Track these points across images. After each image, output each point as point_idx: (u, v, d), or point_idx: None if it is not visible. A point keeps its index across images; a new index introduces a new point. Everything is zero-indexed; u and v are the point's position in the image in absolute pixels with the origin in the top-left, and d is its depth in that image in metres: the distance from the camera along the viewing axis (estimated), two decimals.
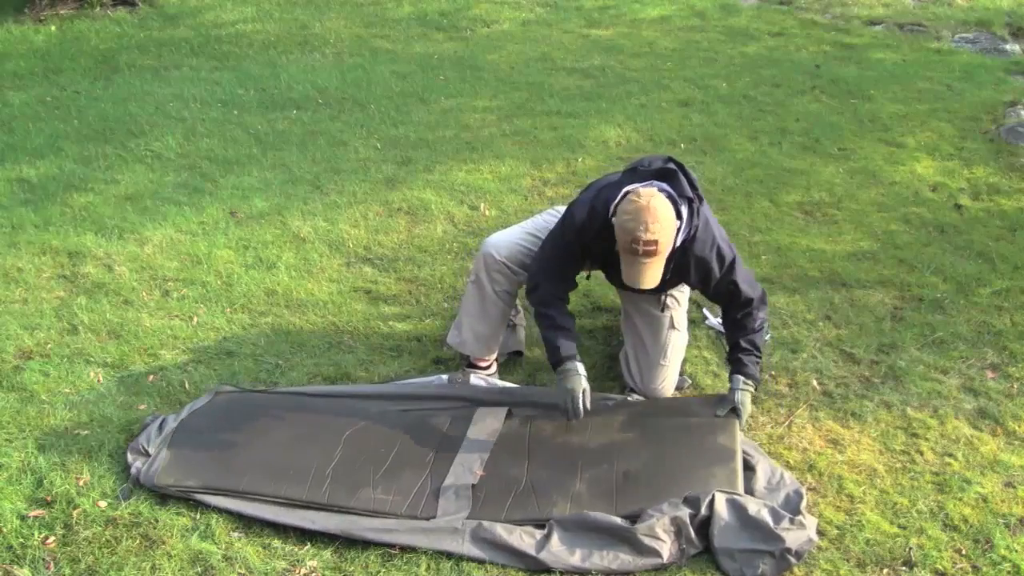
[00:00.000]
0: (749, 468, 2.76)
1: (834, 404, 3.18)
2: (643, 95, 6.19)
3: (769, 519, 2.52)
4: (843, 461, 2.89)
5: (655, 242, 2.57)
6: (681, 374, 3.23)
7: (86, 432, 2.96)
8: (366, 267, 4.05)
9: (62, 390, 3.18)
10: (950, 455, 2.93)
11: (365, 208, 4.56)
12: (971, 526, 2.63)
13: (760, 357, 2.95)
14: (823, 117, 5.82)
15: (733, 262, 2.85)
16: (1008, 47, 7.38)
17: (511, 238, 3.15)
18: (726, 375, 3.30)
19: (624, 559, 2.47)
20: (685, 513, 2.53)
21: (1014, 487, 2.78)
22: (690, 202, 2.71)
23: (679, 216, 2.67)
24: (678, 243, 2.71)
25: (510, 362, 3.39)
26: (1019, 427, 3.06)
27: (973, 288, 3.89)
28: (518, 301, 3.56)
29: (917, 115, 5.85)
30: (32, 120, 5.75)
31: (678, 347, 3.16)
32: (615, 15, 8.20)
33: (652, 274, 2.64)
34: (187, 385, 3.22)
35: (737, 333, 2.94)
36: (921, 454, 2.93)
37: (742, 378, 2.92)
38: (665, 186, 2.71)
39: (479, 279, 3.14)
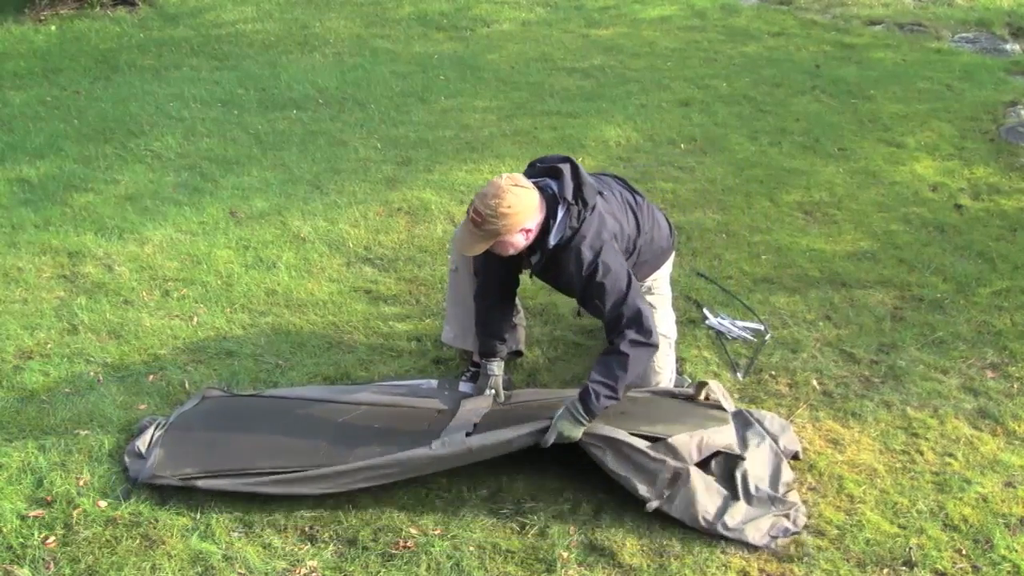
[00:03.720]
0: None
1: (834, 404, 3.18)
2: (643, 95, 6.19)
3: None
4: (843, 461, 2.89)
5: (481, 216, 2.62)
6: (680, 373, 3.22)
7: (86, 432, 2.96)
8: (366, 267, 4.04)
9: (62, 390, 3.18)
10: (950, 455, 2.93)
11: (365, 208, 4.56)
12: (971, 526, 2.63)
13: (611, 390, 2.67)
14: (823, 117, 5.82)
15: (605, 281, 2.71)
16: (1008, 47, 7.39)
17: None
18: (726, 375, 3.30)
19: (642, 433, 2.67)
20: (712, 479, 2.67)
21: (1014, 487, 2.78)
22: (570, 206, 2.70)
23: (553, 216, 2.69)
24: (550, 244, 2.71)
25: (510, 362, 3.39)
26: (1019, 427, 3.06)
27: (973, 288, 3.89)
28: (518, 300, 3.56)
29: (917, 115, 5.85)
30: (32, 120, 5.75)
31: (662, 353, 3.02)
32: (615, 15, 8.20)
33: (469, 241, 2.70)
34: (187, 385, 3.22)
35: (602, 358, 2.75)
36: (921, 454, 2.93)
37: (578, 402, 2.67)
38: (552, 185, 2.74)
39: (458, 268, 3.17)
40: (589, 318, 3.63)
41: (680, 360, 3.34)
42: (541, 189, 2.73)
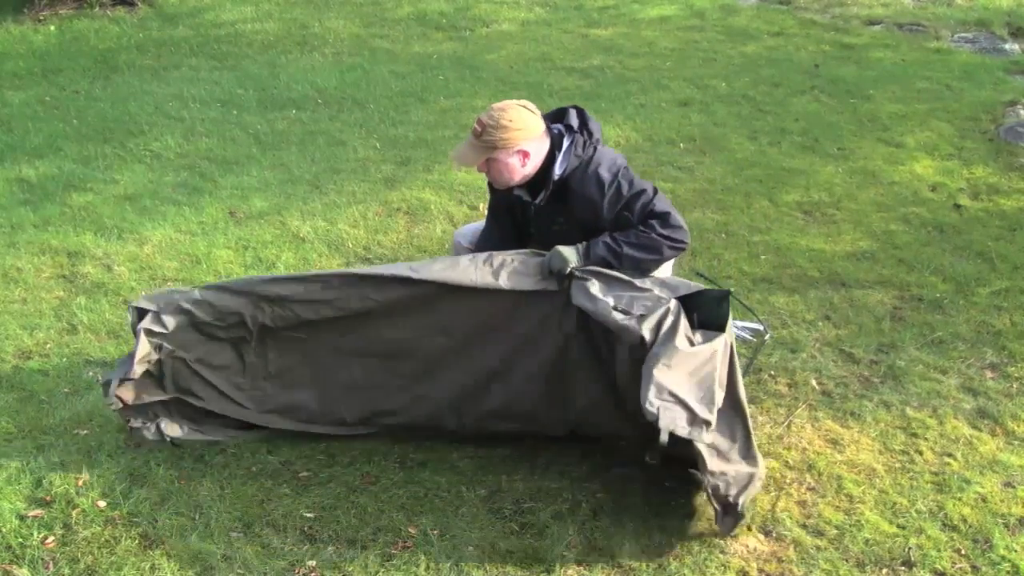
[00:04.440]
0: None
1: (833, 404, 3.17)
2: (642, 95, 6.19)
3: (715, 388, 2.49)
4: (842, 461, 2.89)
5: (482, 126, 2.69)
6: None
7: (85, 432, 2.96)
8: (365, 267, 4.04)
9: (62, 390, 3.18)
10: (949, 455, 2.93)
11: (364, 208, 4.56)
12: (970, 526, 2.63)
13: (619, 253, 2.70)
14: (822, 117, 5.82)
15: (631, 192, 2.72)
16: (1007, 47, 7.39)
17: (478, 225, 3.18)
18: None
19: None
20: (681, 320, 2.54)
21: (1013, 487, 2.78)
22: (575, 135, 2.77)
23: (559, 148, 2.75)
24: (556, 174, 2.75)
25: None
26: (1018, 427, 3.06)
27: (972, 288, 3.89)
28: None
29: (916, 115, 5.85)
30: (31, 120, 5.75)
31: None
32: (615, 15, 8.20)
33: (466, 151, 2.75)
34: None
35: (624, 230, 2.75)
36: (920, 454, 2.93)
37: (581, 243, 2.73)
38: (559, 125, 2.80)
39: None
40: None
41: None
42: (548, 129, 2.79)
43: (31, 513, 2.62)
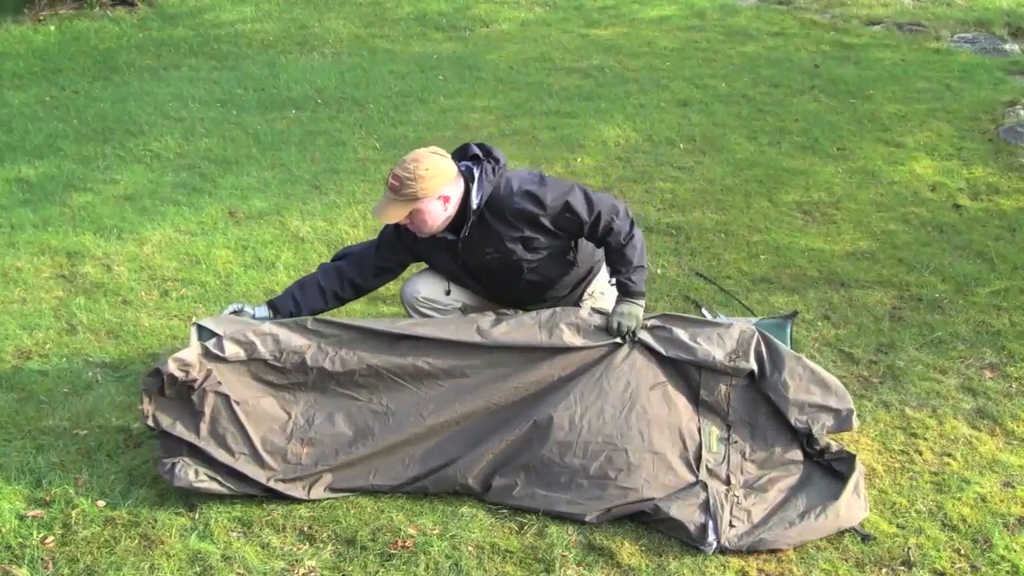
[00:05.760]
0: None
1: None
2: (642, 95, 6.19)
3: (835, 380, 2.84)
4: None
5: (399, 180, 2.69)
6: None
7: (85, 432, 2.96)
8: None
9: (61, 390, 3.18)
10: (949, 455, 2.93)
11: (364, 208, 4.56)
12: (970, 526, 2.63)
13: (636, 269, 2.87)
14: (822, 117, 5.82)
15: (554, 196, 2.77)
16: (1007, 47, 7.39)
17: (423, 276, 3.13)
18: None
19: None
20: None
21: (1013, 487, 2.79)
22: (483, 164, 2.79)
23: (471, 180, 2.78)
24: (474, 204, 2.77)
25: None
26: (1018, 427, 3.06)
27: (972, 288, 3.89)
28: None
29: (916, 115, 5.85)
30: (31, 120, 5.75)
31: None
32: (614, 15, 8.20)
33: (386, 207, 2.77)
34: None
35: (610, 257, 2.91)
36: (920, 454, 2.93)
37: (623, 296, 2.87)
38: (465, 162, 2.84)
39: (450, 290, 3.11)
40: None
41: None
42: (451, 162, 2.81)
43: (31, 513, 2.62)
